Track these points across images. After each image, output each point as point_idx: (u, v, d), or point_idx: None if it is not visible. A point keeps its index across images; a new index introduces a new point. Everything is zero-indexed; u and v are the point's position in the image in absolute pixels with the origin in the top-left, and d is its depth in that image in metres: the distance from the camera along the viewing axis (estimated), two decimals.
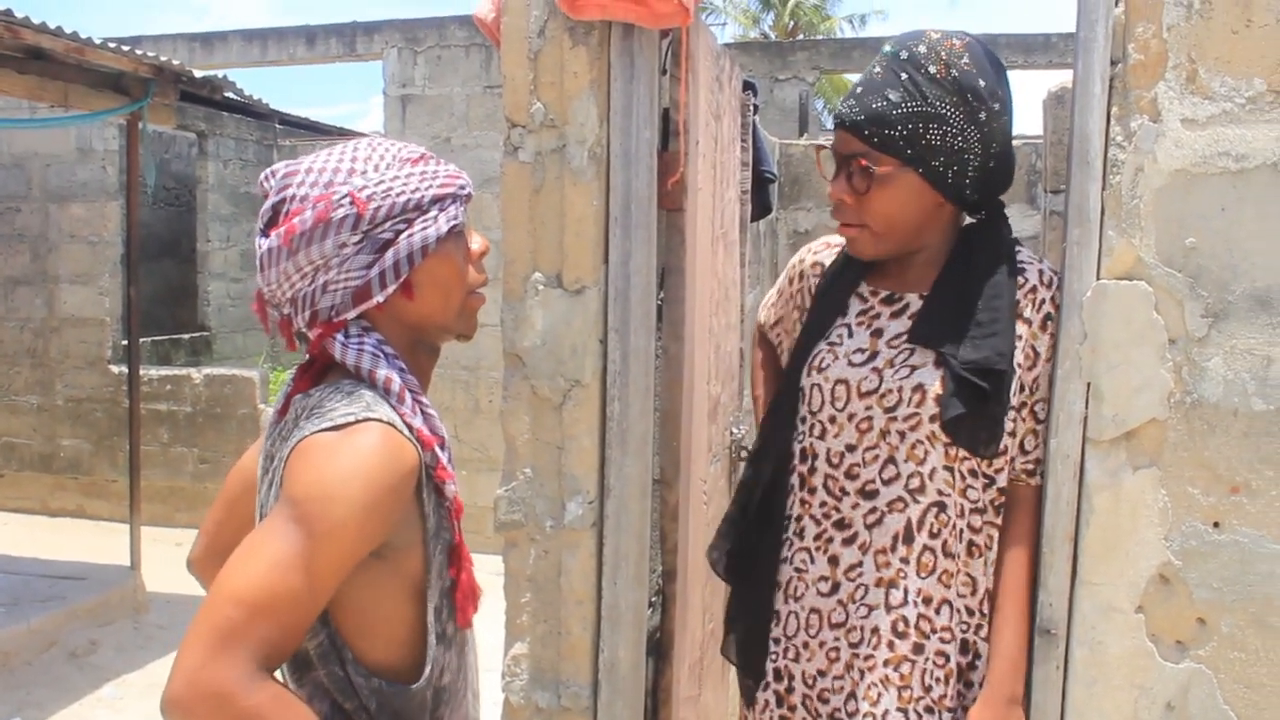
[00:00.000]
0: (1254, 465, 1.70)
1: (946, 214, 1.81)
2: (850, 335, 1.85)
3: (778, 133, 7.20)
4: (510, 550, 2.14)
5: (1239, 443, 1.70)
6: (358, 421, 1.20)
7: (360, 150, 1.30)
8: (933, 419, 1.74)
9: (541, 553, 2.12)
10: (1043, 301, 1.78)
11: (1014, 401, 1.77)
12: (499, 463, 2.18)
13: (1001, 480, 1.79)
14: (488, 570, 2.28)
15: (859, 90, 1.77)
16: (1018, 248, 1.82)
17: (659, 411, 2.23)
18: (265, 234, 1.28)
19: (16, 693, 4.79)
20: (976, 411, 1.72)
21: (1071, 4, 1.76)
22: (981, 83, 1.71)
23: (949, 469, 1.76)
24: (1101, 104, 1.73)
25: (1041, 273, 1.80)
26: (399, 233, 1.28)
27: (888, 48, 1.78)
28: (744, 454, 2.99)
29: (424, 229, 1.29)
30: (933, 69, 1.71)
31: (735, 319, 2.96)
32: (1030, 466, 1.81)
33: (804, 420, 1.87)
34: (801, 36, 24.52)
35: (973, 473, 1.77)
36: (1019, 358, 1.76)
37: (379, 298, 1.28)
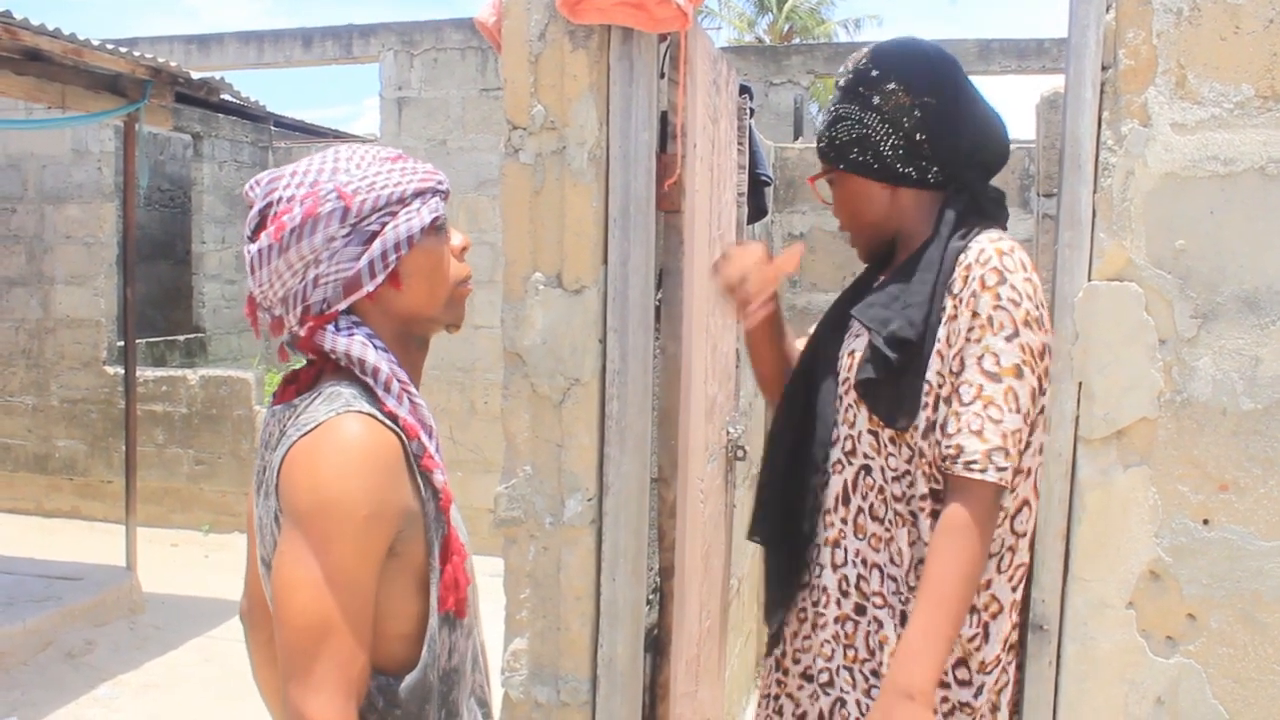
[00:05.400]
0: (1242, 463, 1.73)
1: (905, 199, 1.92)
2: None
3: (773, 136, 7.23)
4: (510, 547, 2.17)
5: (1228, 441, 1.73)
6: (336, 416, 1.25)
7: (341, 153, 1.36)
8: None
9: (541, 549, 2.14)
10: (970, 279, 1.75)
11: (931, 376, 1.76)
12: (495, 464, 2.21)
13: (928, 451, 1.76)
14: (486, 571, 2.29)
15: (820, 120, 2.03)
16: (981, 230, 1.82)
17: (657, 410, 2.26)
18: (254, 239, 1.33)
19: (12, 693, 4.79)
20: (887, 379, 1.79)
21: (1064, 10, 1.79)
22: (874, 72, 1.89)
23: (873, 434, 1.84)
24: (1093, 109, 1.76)
25: (982, 250, 1.77)
26: (384, 224, 1.33)
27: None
28: (740, 453, 3.01)
29: (408, 220, 1.34)
30: (841, 82, 1.95)
31: (732, 319, 2.99)
32: (952, 452, 1.70)
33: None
34: (797, 40, 24.58)
35: (892, 440, 1.82)
36: (943, 333, 1.76)
37: (369, 287, 1.32)
